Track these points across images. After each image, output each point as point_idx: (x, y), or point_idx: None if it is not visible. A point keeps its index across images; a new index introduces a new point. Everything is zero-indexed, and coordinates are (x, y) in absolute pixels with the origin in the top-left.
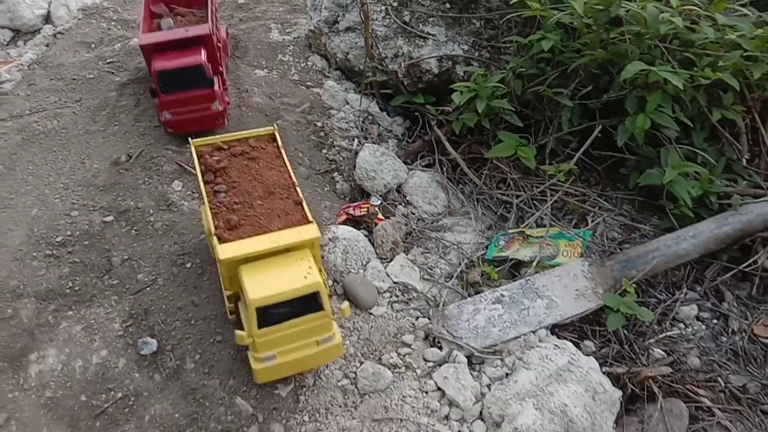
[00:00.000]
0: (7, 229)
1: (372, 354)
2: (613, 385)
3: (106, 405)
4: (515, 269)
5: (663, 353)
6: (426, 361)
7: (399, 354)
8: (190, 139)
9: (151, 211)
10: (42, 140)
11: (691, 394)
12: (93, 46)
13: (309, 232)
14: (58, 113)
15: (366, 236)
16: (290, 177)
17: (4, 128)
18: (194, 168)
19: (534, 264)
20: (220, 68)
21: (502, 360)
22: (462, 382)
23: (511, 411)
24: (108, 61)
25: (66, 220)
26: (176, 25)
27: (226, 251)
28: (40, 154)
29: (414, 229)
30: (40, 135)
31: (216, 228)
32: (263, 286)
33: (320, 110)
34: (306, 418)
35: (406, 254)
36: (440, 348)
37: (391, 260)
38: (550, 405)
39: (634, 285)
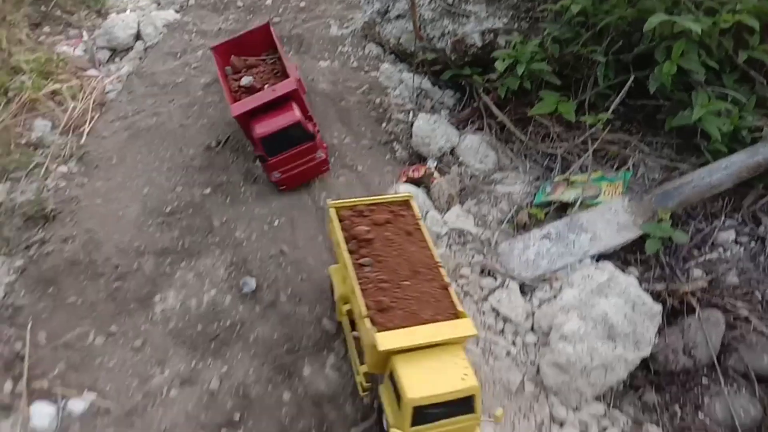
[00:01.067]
0: (125, 205)
1: None
2: (654, 300)
3: (218, 331)
4: (561, 211)
5: (702, 273)
6: (482, 288)
7: (458, 284)
8: (328, 201)
9: (241, 183)
10: (145, 135)
11: (728, 307)
12: (178, 55)
13: (466, 328)
14: (156, 112)
15: (425, 193)
16: (432, 255)
17: (114, 128)
18: (333, 230)
19: (578, 204)
20: (309, 113)
21: (550, 286)
22: (514, 303)
23: (558, 321)
24: (193, 66)
25: (172, 195)
26: (255, 80)
27: (384, 342)
28: (145, 146)
29: (467, 185)
30: (143, 131)
31: (368, 308)
32: (421, 384)
33: (378, 90)
34: None
35: (461, 205)
36: (494, 278)
37: (447, 210)
38: (593, 314)
39: (675, 215)
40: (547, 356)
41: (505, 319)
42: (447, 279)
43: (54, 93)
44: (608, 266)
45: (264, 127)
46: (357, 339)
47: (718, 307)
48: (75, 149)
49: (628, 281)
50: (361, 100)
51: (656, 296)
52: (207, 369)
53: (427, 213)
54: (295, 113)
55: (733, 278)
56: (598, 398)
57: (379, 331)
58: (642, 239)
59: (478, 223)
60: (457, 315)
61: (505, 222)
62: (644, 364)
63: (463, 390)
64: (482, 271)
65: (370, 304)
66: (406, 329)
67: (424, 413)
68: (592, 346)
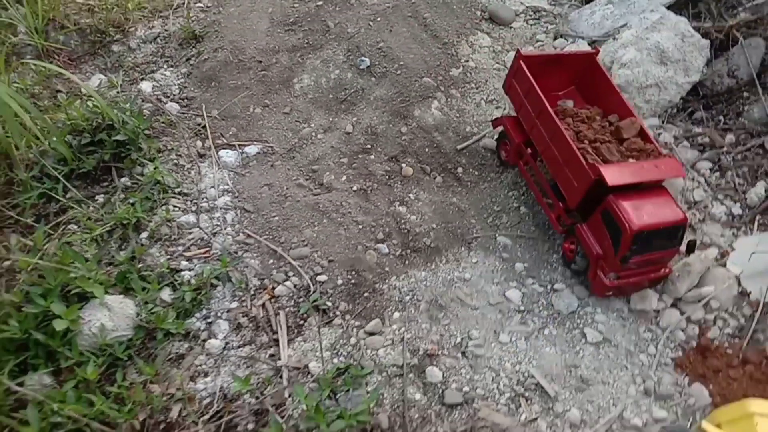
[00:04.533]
0: (257, 21)
1: (510, 48)
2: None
3: (345, 96)
4: None
5: (749, 15)
6: (555, 48)
7: (533, 46)
8: None
9: None
10: None
11: None
12: None
13: None
14: None
15: None
16: None
17: None
18: None
19: None
20: None
21: (614, 38)
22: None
23: (617, 55)
24: None
25: (292, 9)
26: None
27: None
28: None
29: None
30: None
31: None
32: None
33: None
34: (473, 86)
35: None
36: (566, 40)
37: None
38: (647, 45)
39: None
40: None
41: None
42: None
43: None
44: (660, 8)
45: (642, 218)
46: None
47: (761, 36)
48: None
49: (678, 19)
50: None
51: (705, 35)
52: (341, 120)
53: None
54: (679, 207)
55: None
56: (654, 116)
57: None
58: None
59: (550, 2)
60: None
61: None
62: (695, 91)
63: None
64: (555, 37)
65: None
66: None
67: None
68: (646, 69)
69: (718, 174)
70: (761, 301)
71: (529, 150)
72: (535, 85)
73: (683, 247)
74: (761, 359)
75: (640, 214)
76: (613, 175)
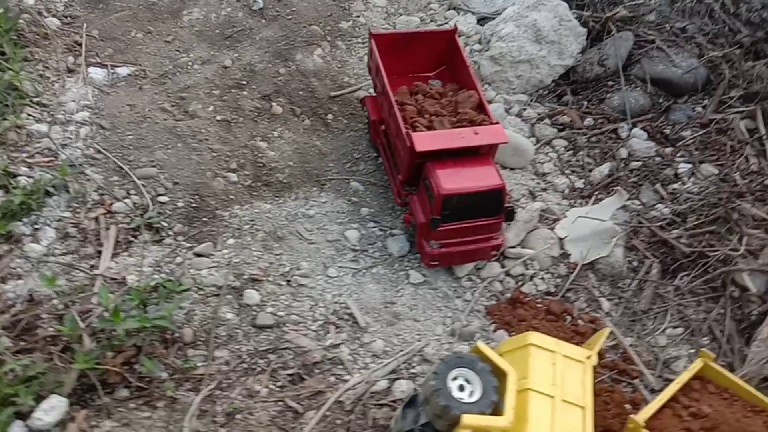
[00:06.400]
0: None
1: (404, 12)
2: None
3: (232, 33)
4: None
5: (626, 13)
6: (446, 18)
7: (427, 14)
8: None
9: None
10: None
11: (641, 34)
12: None
13: None
14: None
15: None
16: None
17: None
18: None
19: None
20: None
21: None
22: (469, 23)
23: (497, 29)
24: None
25: None
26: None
27: None
28: None
29: None
30: None
31: None
32: None
33: None
34: (360, 41)
35: None
36: (457, 12)
37: None
38: (525, 22)
39: None
40: (485, 53)
41: (459, 34)
42: None
43: None
44: None
45: (453, 182)
46: None
47: (632, 32)
48: None
49: (559, 2)
50: None
51: (584, 24)
52: (222, 55)
53: None
54: (497, 176)
55: (650, 17)
56: (523, 92)
57: None
58: None
59: None
60: None
61: None
62: (567, 76)
63: None
64: (448, 8)
65: None
66: None
67: None
68: (521, 45)
69: (571, 152)
70: (579, 263)
71: (383, 127)
72: (380, 64)
73: None
74: (562, 311)
75: (452, 179)
76: (423, 141)
